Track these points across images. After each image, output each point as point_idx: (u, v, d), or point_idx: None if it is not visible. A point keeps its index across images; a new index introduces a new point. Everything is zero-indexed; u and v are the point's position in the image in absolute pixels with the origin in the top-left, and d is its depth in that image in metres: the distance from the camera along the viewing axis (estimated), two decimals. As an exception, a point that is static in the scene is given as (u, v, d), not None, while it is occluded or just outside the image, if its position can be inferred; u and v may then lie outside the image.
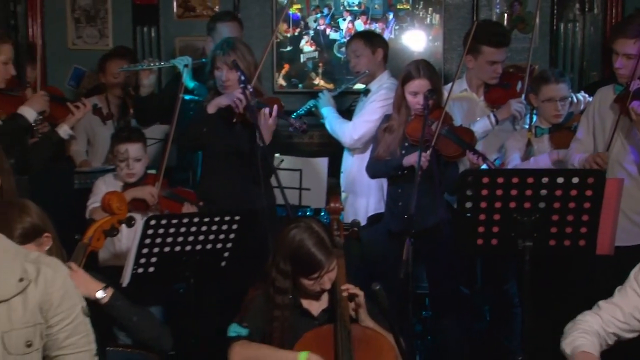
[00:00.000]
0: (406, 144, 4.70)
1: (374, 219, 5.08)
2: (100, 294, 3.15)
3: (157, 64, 5.51)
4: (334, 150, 5.80)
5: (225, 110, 4.62)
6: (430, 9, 6.84)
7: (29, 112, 4.54)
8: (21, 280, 2.06)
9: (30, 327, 2.07)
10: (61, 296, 2.11)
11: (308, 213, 5.49)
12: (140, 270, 3.88)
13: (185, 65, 5.11)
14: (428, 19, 6.87)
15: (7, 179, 2.12)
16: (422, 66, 4.70)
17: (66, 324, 2.13)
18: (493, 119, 4.90)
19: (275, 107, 4.53)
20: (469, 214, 3.76)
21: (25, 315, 2.07)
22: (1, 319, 2.04)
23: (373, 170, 4.89)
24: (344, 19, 6.89)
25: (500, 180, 3.68)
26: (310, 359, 3.17)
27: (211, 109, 4.69)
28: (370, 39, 5.57)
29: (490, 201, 3.70)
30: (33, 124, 4.55)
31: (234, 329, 3.30)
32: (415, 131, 4.60)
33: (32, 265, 2.11)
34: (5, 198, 2.13)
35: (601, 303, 3.11)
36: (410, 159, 4.53)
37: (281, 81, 6.96)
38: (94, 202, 4.48)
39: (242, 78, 4.50)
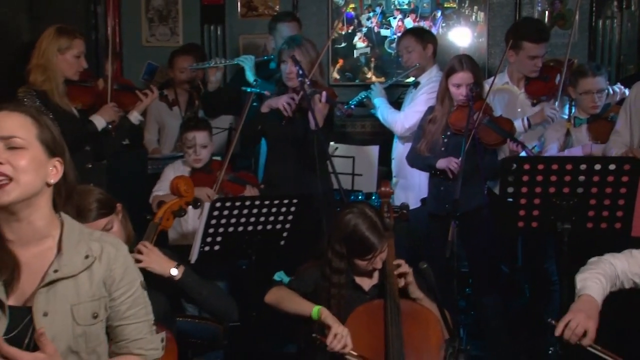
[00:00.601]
0: (448, 133, 4.68)
1: (425, 201, 5.05)
2: (173, 271, 3.17)
3: (223, 62, 5.56)
4: (384, 138, 5.79)
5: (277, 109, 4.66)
6: (475, 7, 6.79)
7: (99, 121, 4.61)
8: (87, 257, 2.08)
9: (95, 300, 2.08)
10: (122, 272, 2.12)
11: (360, 197, 5.48)
12: (207, 248, 3.90)
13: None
14: (473, 17, 6.81)
15: (69, 168, 2.12)
16: (465, 60, 4.68)
17: (127, 297, 2.13)
18: (526, 122, 4.85)
19: (324, 92, 4.51)
20: (510, 199, 3.74)
21: (91, 290, 2.08)
22: (70, 293, 2.05)
23: (411, 162, 4.90)
24: (395, 17, 6.86)
25: (540, 167, 3.66)
26: (322, 313, 3.17)
27: (264, 108, 4.73)
28: (421, 35, 5.56)
29: (530, 186, 3.68)
30: (100, 131, 4.60)
31: (279, 275, 3.37)
32: (458, 121, 4.59)
33: (96, 244, 2.12)
34: (69, 186, 2.12)
35: (635, 251, 3.03)
36: (442, 163, 4.57)
37: (336, 75, 6.96)
38: (159, 189, 4.55)
39: (300, 72, 4.51)
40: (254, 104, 5.08)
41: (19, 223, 2.02)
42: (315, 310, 3.17)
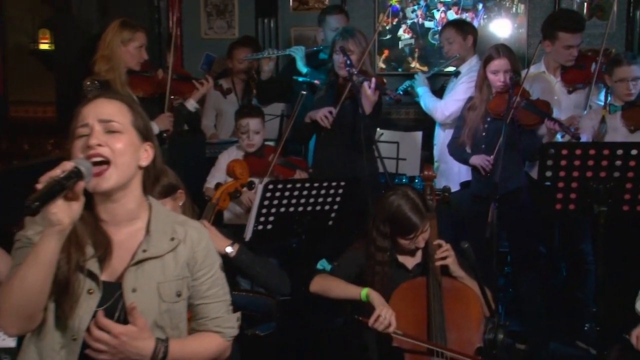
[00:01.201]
0: (488, 119, 4.63)
1: (464, 185, 5.00)
2: (229, 249, 3.18)
3: (275, 53, 5.60)
4: (427, 125, 5.74)
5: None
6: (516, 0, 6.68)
7: (153, 128, 4.60)
8: (172, 239, 2.08)
9: (179, 279, 2.09)
10: (204, 255, 2.12)
11: (404, 180, 5.45)
12: (260, 227, 3.91)
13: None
14: (514, 9, 6.70)
15: (157, 153, 2.14)
16: (501, 48, 4.65)
17: (207, 277, 2.13)
18: None
19: (373, 79, 4.48)
20: (548, 182, 3.70)
21: (176, 270, 2.08)
22: (157, 272, 2.05)
23: (450, 152, 4.90)
24: (438, 10, 6.79)
25: (578, 152, 3.63)
26: (370, 294, 3.14)
27: (307, 119, 4.79)
28: (461, 26, 5.51)
29: (568, 170, 3.65)
30: None
31: (321, 264, 3.35)
32: (497, 106, 4.56)
33: (181, 228, 2.12)
34: (157, 170, 2.14)
35: None
36: (476, 160, 4.57)
37: (381, 65, 6.91)
38: (213, 175, 4.62)
39: (348, 62, 4.49)
40: (304, 92, 5.10)
41: (114, 204, 2.03)
42: (364, 292, 3.15)
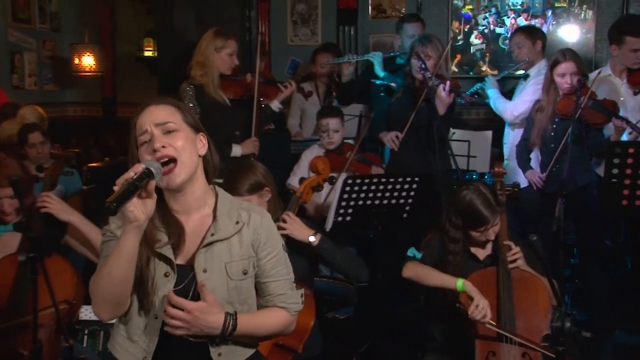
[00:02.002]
0: (556, 120, 4.53)
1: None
2: (312, 238, 3.18)
3: (355, 58, 5.62)
4: (496, 124, 5.63)
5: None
6: (584, 5, 6.45)
7: (236, 150, 4.62)
8: (237, 223, 2.10)
9: (245, 259, 2.11)
10: (267, 236, 2.14)
11: (474, 176, 5.35)
12: (340, 218, 3.90)
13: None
14: (582, 15, 6.48)
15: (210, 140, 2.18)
16: (568, 52, 4.55)
17: (271, 257, 2.14)
18: None
19: (448, 83, 4.42)
20: (614, 179, 3.58)
21: (241, 250, 2.10)
22: (224, 253, 2.08)
23: (517, 153, 4.84)
24: (508, 17, 6.64)
25: (644, 149, 3.48)
26: (466, 285, 3.08)
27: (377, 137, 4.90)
28: (531, 32, 5.39)
29: (635, 168, 3.53)
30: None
31: (412, 251, 3.31)
32: (564, 107, 4.46)
33: (245, 212, 2.14)
34: (214, 155, 2.17)
35: None
36: (530, 176, 4.61)
37: (454, 68, 6.80)
38: (296, 171, 4.65)
39: (423, 66, 4.44)
40: (382, 94, 5.07)
41: (183, 195, 2.08)
42: (460, 282, 3.08)
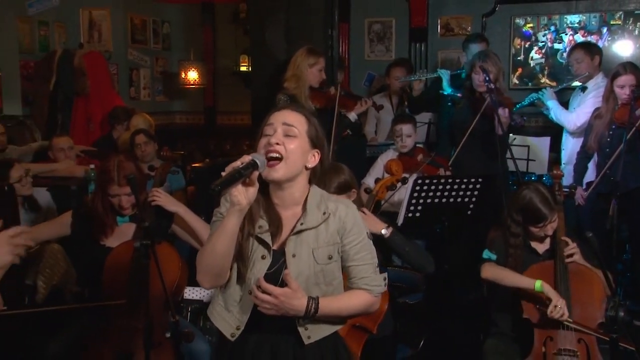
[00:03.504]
0: (613, 127, 4.39)
1: (589, 184, 4.71)
2: (384, 231, 3.15)
3: (425, 75, 5.58)
4: (553, 131, 5.47)
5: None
6: (638, 23, 6.19)
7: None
8: (324, 213, 2.11)
9: (330, 245, 2.11)
10: (352, 224, 2.13)
11: (533, 178, 5.21)
12: (410, 214, 3.86)
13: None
14: (636, 31, 6.23)
15: (326, 158, 2.17)
16: (628, 66, 4.42)
17: (355, 243, 2.13)
18: None
19: (507, 110, 4.32)
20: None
21: (327, 237, 2.10)
22: (311, 240, 2.09)
23: (577, 159, 4.70)
24: (566, 34, 6.43)
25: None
26: (544, 286, 2.96)
27: None
28: (589, 48, 5.21)
29: None
30: None
31: (487, 254, 3.20)
32: (622, 116, 4.31)
33: (332, 204, 2.14)
34: (323, 170, 2.17)
35: None
36: (576, 192, 4.46)
37: (515, 80, 6.64)
38: (371, 172, 4.59)
39: (487, 78, 4.35)
40: (449, 103, 5.00)
41: (283, 192, 2.10)
42: (538, 283, 2.97)
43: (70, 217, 3.17)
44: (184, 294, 3.32)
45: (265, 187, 2.06)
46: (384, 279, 2.19)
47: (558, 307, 2.89)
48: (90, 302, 3.01)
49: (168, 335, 2.54)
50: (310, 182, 2.14)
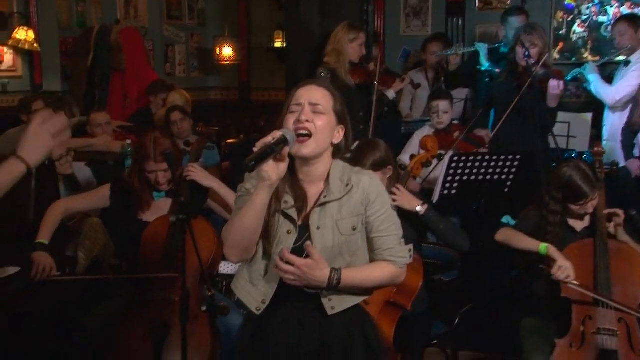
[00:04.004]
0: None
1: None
2: (419, 208, 3.13)
3: (462, 49, 5.52)
4: (595, 107, 5.35)
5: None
6: (688, -6, 5.99)
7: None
8: (347, 185, 2.12)
9: (354, 217, 2.12)
10: (376, 196, 2.13)
11: (573, 155, 5.10)
12: (446, 192, 3.84)
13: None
14: (685, 3, 6.01)
15: (349, 134, 2.18)
16: None
17: (380, 214, 2.14)
18: None
19: (561, 82, 4.21)
20: None
21: (351, 209, 2.12)
22: (335, 212, 2.11)
23: (622, 136, 4.64)
24: (612, 6, 6.24)
25: None
26: (549, 248, 2.95)
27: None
28: (634, 20, 5.06)
29: None
30: None
31: (506, 218, 3.21)
32: None
33: (355, 176, 2.15)
34: (347, 146, 2.17)
35: None
36: (630, 165, 4.44)
37: (556, 55, 6.48)
38: (406, 149, 4.55)
39: (526, 53, 4.26)
40: (486, 79, 4.93)
41: (309, 168, 2.12)
42: (543, 246, 2.96)
43: (108, 190, 3.22)
44: (219, 269, 3.36)
45: (291, 163, 2.08)
46: (409, 251, 2.19)
47: (563, 268, 2.87)
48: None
49: (204, 308, 2.58)
50: (333, 156, 2.16)
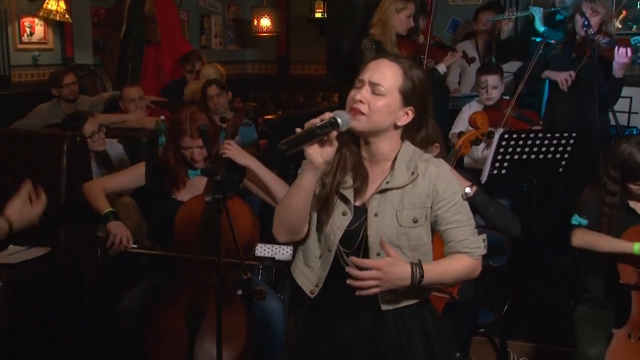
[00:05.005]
0: None
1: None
2: (467, 190, 3.08)
3: (515, 14, 5.38)
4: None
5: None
6: None
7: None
8: (413, 173, 2.07)
9: (417, 208, 2.07)
10: (445, 187, 2.07)
11: (634, 132, 4.98)
12: (495, 172, 3.79)
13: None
14: None
15: (425, 114, 2.14)
16: None
17: (450, 206, 2.07)
18: None
19: (629, 49, 4.08)
20: None
21: (414, 199, 2.06)
22: (396, 200, 2.06)
23: None
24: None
25: None
26: None
27: (544, 76, 4.60)
28: None
29: None
30: None
31: (576, 219, 3.08)
32: None
33: (423, 163, 2.09)
34: (419, 127, 2.13)
35: None
36: None
37: (618, 25, 6.28)
38: (456, 124, 4.51)
39: (586, 23, 4.14)
40: (540, 51, 4.80)
41: (369, 146, 2.09)
42: (637, 246, 2.86)
43: (143, 168, 3.26)
44: (256, 251, 3.38)
45: (358, 140, 2.07)
46: (484, 240, 2.13)
47: None
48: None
49: (240, 292, 2.59)
50: (402, 138, 2.10)
